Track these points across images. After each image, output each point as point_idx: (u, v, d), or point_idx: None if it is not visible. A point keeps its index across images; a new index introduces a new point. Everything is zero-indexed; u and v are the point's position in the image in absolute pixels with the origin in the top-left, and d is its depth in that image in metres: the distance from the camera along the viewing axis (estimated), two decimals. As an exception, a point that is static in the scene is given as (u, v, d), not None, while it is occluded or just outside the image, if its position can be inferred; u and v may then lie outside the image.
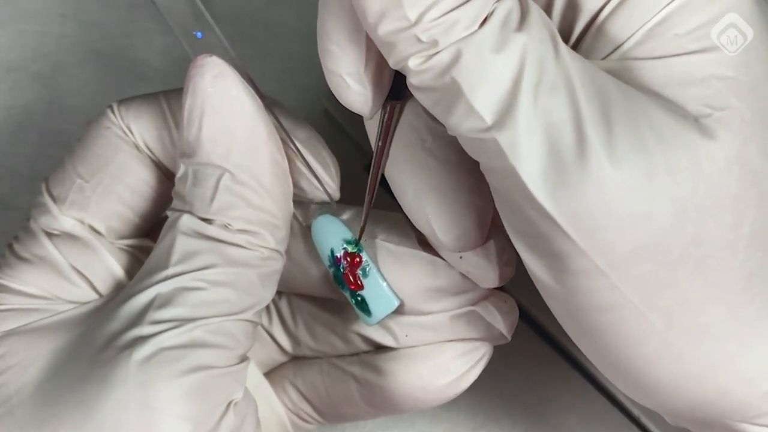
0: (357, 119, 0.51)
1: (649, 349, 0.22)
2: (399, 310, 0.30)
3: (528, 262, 0.23)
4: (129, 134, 0.29)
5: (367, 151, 0.49)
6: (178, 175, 0.27)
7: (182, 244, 0.26)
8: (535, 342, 0.43)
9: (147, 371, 0.25)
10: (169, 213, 0.28)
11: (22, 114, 0.48)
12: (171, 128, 0.29)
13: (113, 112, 0.29)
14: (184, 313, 0.26)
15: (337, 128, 0.50)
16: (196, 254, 0.26)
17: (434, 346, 0.31)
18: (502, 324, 0.30)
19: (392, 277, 0.29)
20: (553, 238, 0.21)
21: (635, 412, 0.41)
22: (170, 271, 0.26)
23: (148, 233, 0.30)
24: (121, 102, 0.29)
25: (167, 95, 0.29)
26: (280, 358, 0.33)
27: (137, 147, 0.29)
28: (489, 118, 0.21)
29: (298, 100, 0.50)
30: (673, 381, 0.22)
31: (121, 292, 0.27)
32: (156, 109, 0.29)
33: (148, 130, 0.29)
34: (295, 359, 0.33)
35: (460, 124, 0.22)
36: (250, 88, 0.28)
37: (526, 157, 0.21)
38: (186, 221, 0.27)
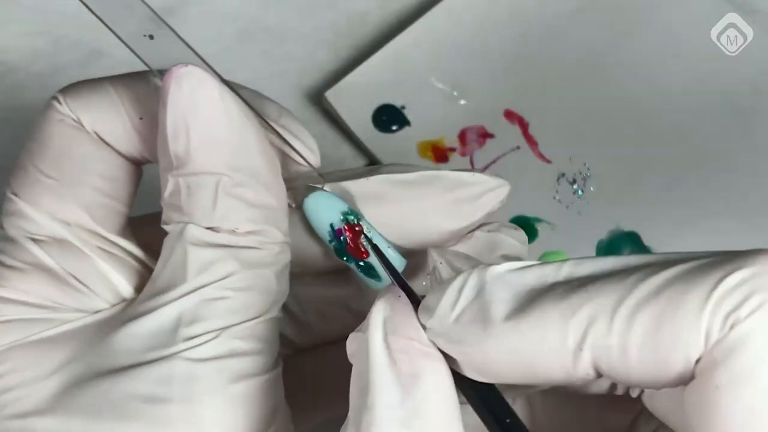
0: (358, 119, 0.51)
1: None
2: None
3: None
4: (81, 125, 0.28)
5: (367, 151, 0.49)
6: (168, 189, 0.27)
7: (195, 255, 0.26)
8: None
9: (189, 387, 0.25)
10: (168, 228, 0.27)
11: (22, 114, 0.48)
12: (123, 119, 0.28)
13: (60, 103, 0.28)
14: (215, 325, 0.25)
15: (338, 128, 0.50)
16: (212, 264, 0.26)
17: None
18: None
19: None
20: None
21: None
22: (190, 284, 0.26)
23: (133, 232, 0.30)
24: (66, 92, 0.28)
25: (114, 84, 0.28)
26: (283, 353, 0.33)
27: (91, 135, 0.28)
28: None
29: (298, 100, 0.50)
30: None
31: (134, 303, 0.27)
32: (106, 99, 0.28)
33: (100, 122, 0.28)
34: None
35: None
36: (228, 88, 0.27)
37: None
38: (192, 232, 0.26)
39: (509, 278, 0.21)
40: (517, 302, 0.20)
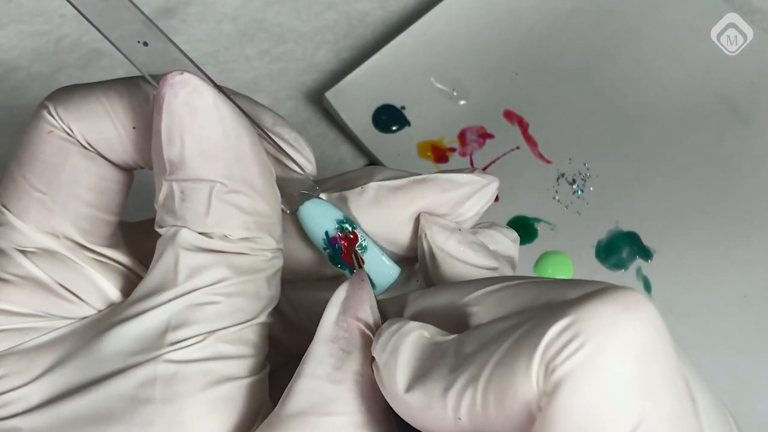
0: (358, 120, 0.51)
1: None
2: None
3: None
4: (72, 135, 0.28)
5: (367, 151, 0.49)
6: (162, 193, 0.27)
7: (186, 260, 0.26)
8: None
9: (172, 388, 0.25)
10: (160, 230, 0.27)
11: (22, 114, 0.48)
12: (116, 129, 0.28)
13: (51, 114, 0.27)
14: (202, 329, 0.26)
15: (338, 128, 0.50)
16: (203, 269, 0.26)
17: None
18: None
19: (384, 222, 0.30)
20: None
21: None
22: (180, 289, 0.26)
23: (122, 238, 0.30)
24: (57, 101, 0.28)
25: (106, 92, 0.28)
26: (279, 359, 0.33)
27: (83, 146, 0.28)
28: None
29: (298, 100, 0.50)
30: None
31: (123, 305, 0.27)
32: (97, 109, 0.28)
33: (92, 132, 0.28)
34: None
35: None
36: (224, 95, 0.27)
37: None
38: (185, 236, 0.26)
39: (413, 350, 0.23)
40: (413, 375, 0.23)
